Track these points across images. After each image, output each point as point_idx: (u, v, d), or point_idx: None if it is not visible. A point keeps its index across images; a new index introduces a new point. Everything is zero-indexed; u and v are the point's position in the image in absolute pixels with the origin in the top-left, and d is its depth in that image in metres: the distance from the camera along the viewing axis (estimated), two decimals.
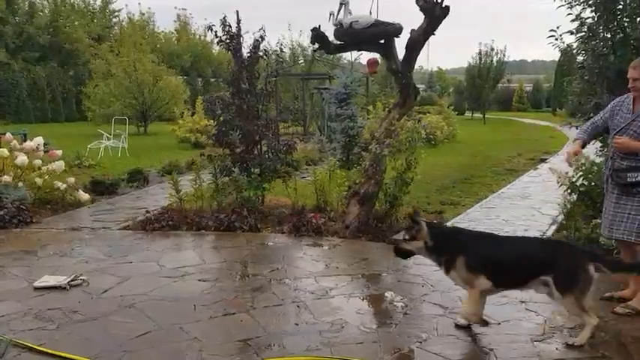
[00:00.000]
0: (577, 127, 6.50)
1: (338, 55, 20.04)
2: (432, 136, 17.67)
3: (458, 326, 4.17)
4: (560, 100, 28.68)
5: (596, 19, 5.93)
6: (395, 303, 4.80)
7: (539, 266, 3.91)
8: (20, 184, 8.13)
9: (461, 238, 4.28)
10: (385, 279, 5.43)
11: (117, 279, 5.29)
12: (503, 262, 4.03)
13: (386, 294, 4.99)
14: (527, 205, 8.78)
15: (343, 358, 3.70)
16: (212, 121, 8.45)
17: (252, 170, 7.99)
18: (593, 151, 6.46)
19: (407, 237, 4.20)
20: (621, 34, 5.87)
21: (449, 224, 7.48)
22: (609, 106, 4.61)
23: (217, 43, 8.33)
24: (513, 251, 4.13)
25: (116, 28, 39.04)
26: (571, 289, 3.80)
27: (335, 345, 3.91)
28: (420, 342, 3.97)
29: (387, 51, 7.30)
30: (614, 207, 4.45)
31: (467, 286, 4.08)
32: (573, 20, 6.06)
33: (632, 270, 4.39)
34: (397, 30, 7.18)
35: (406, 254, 4.30)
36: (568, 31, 6.15)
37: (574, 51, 6.41)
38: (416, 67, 7.62)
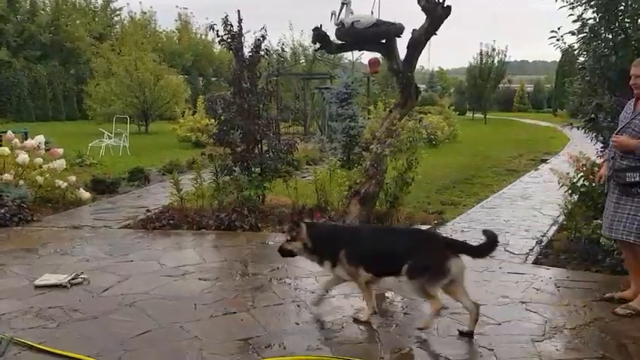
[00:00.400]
0: (578, 128, 6.52)
1: (339, 54, 20.03)
2: (432, 137, 17.66)
3: (356, 320, 4.28)
4: (561, 100, 28.69)
5: (597, 19, 5.92)
6: (395, 303, 4.80)
7: (405, 254, 4.09)
8: (21, 182, 8.14)
9: (338, 235, 4.53)
10: (385, 279, 5.42)
11: (117, 277, 5.30)
12: (378, 253, 4.23)
13: (386, 294, 4.99)
14: (528, 206, 8.78)
15: (343, 358, 3.70)
16: (213, 120, 8.46)
17: (252, 169, 8.00)
18: (593, 151, 6.46)
19: (289, 238, 4.39)
20: (623, 35, 5.86)
21: (451, 224, 7.50)
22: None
23: (219, 43, 8.33)
24: (384, 242, 4.36)
25: (117, 26, 39.06)
26: (420, 275, 3.99)
27: (335, 344, 3.91)
28: (420, 342, 3.97)
29: (389, 51, 7.30)
30: (614, 207, 4.45)
31: (352, 279, 4.30)
32: (575, 21, 6.05)
33: (486, 251, 4.34)
34: (398, 30, 7.18)
35: (289, 254, 4.45)
36: (569, 32, 6.15)
37: (575, 52, 6.40)
38: (417, 67, 7.61)
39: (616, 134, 4.45)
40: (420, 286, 4.01)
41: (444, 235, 5.11)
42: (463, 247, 4.25)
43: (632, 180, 4.28)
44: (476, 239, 6.68)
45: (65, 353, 3.75)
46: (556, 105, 37.44)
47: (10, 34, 32.17)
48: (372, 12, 7.38)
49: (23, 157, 8.16)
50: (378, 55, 8.02)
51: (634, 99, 4.44)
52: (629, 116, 4.42)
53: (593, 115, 6.08)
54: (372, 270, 4.23)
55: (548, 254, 6.06)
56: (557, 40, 6.27)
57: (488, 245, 4.19)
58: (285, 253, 4.45)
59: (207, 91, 30.27)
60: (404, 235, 4.62)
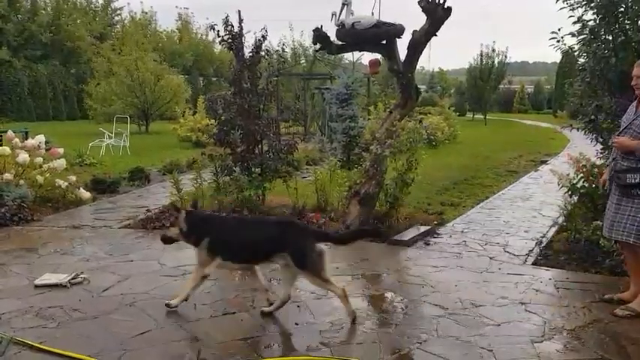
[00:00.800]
0: (578, 129, 6.53)
1: (339, 55, 20.03)
2: (432, 137, 17.67)
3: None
4: (562, 101, 28.71)
5: (597, 21, 5.93)
6: (395, 303, 4.81)
7: (274, 244, 4.32)
8: (21, 182, 8.14)
9: (210, 222, 4.71)
10: (385, 279, 5.44)
11: (117, 277, 5.31)
12: (244, 242, 4.43)
13: (386, 294, 4.99)
14: (528, 207, 8.79)
15: (343, 358, 3.70)
16: (213, 120, 8.46)
17: (253, 170, 8.00)
18: (593, 153, 6.47)
19: (168, 224, 4.73)
20: (623, 37, 5.88)
21: (451, 224, 7.50)
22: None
23: (219, 43, 8.34)
24: (252, 232, 4.58)
25: (118, 26, 39.08)
26: (305, 264, 4.24)
27: (335, 345, 3.92)
28: (420, 343, 3.97)
29: (389, 52, 7.31)
30: (615, 208, 4.46)
31: (200, 265, 4.48)
32: (575, 22, 6.06)
33: (354, 238, 4.72)
34: (399, 31, 7.19)
35: (169, 240, 4.66)
36: (569, 33, 6.16)
37: (575, 53, 6.41)
38: (417, 67, 7.62)
39: (617, 135, 4.46)
40: (313, 274, 4.25)
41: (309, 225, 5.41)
42: (327, 236, 4.65)
43: (633, 181, 4.28)
44: (476, 240, 6.73)
45: (65, 353, 3.75)
46: (556, 106, 37.48)
47: (10, 34, 32.19)
48: (372, 13, 7.40)
49: (24, 156, 8.17)
50: (378, 55, 8.02)
51: (636, 101, 4.44)
52: (631, 117, 4.42)
53: (593, 117, 6.09)
54: (236, 258, 4.48)
55: (547, 255, 6.06)
56: (558, 41, 6.29)
57: (352, 236, 4.58)
58: (166, 240, 4.67)
59: (208, 91, 30.30)
60: (272, 227, 4.77)
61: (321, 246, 4.27)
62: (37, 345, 3.85)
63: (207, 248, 4.41)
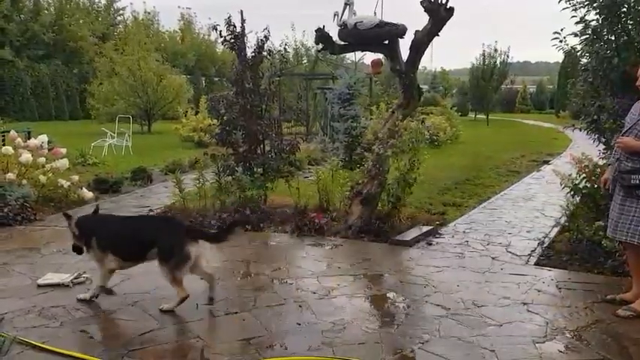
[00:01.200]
0: (580, 130, 6.52)
1: (342, 55, 20.03)
2: (435, 137, 17.67)
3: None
4: (564, 102, 28.68)
5: (600, 21, 5.92)
6: (397, 304, 4.81)
7: (149, 241, 4.50)
8: (24, 181, 8.15)
9: (96, 222, 4.91)
10: (387, 279, 5.44)
11: (120, 277, 5.29)
12: (123, 241, 4.65)
13: (388, 294, 4.99)
14: (531, 207, 8.78)
15: (345, 358, 3.71)
16: (215, 120, 8.47)
17: (255, 169, 8.00)
18: (596, 153, 6.46)
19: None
20: (625, 37, 5.86)
21: (453, 224, 7.50)
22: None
23: (222, 43, 8.35)
24: (129, 230, 4.78)
25: (120, 26, 39.12)
26: (167, 260, 4.40)
27: (337, 345, 3.91)
28: (422, 343, 3.97)
29: (391, 52, 7.31)
30: (619, 209, 4.45)
31: (99, 264, 4.70)
32: (577, 22, 6.05)
33: (227, 232, 4.72)
34: (401, 31, 7.18)
35: (77, 248, 4.87)
36: (572, 34, 6.15)
37: (578, 53, 6.40)
38: (419, 67, 7.62)
39: (622, 136, 4.45)
40: (169, 271, 4.42)
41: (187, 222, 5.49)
42: (202, 234, 4.75)
43: (637, 182, 4.27)
44: (478, 240, 6.72)
45: (68, 352, 3.75)
46: (558, 106, 37.44)
47: (13, 34, 32.26)
48: (374, 13, 7.40)
49: (26, 156, 8.18)
50: (380, 55, 8.01)
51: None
52: (635, 118, 4.41)
53: (595, 117, 6.07)
54: (121, 254, 4.64)
55: (550, 255, 6.06)
56: (560, 41, 6.28)
57: (225, 231, 4.70)
58: (74, 248, 4.88)
59: (210, 91, 30.33)
60: (148, 223, 5.05)
61: (193, 248, 4.42)
62: (39, 344, 3.86)
63: (97, 246, 4.67)
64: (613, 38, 5.92)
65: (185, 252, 4.40)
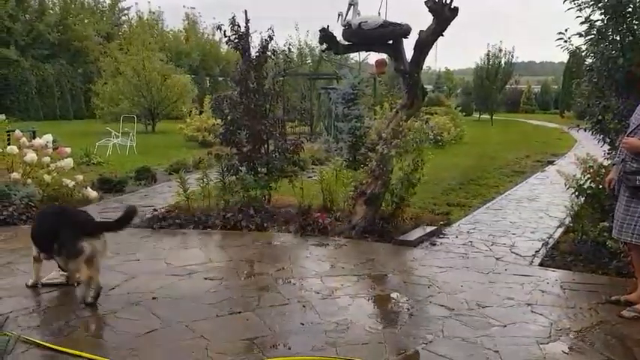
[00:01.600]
0: (585, 130, 6.50)
1: (346, 55, 20.04)
2: (439, 137, 17.65)
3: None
4: (569, 102, 28.61)
5: (605, 21, 5.90)
6: (400, 304, 4.81)
7: (52, 233, 4.64)
8: (29, 181, 8.18)
9: (37, 219, 5.32)
10: (391, 280, 5.44)
11: (124, 276, 5.32)
12: (39, 233, 4.89)
13: (392, 295, 4.99)
14: (535, 208, 8.76)
15: (348, 359, 3.71)
16: (220, 120, 8.48)
17: (259, 169, 8.01)
18: (600, 153, 6.43)
19: None
20: (630, 37, 5.84)
21: (457, 225, 7.49)
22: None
23: (226, 43, 8.35)
24: (41, 223, 5.02)
25: (125, 26, 39.18)
26: (61, 251, 4.58)
27: (340, 345, 3.92)
28: (426, 343, 3.96)
29: (395, 52, 7.31)
30: (624, 209, 4.44)
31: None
32: (582, 22, 6.03)
33: (122, 224, 4.78)
34: (405, 31, 7.18)
35: None
36: (577, 34, 6.12)
37: (583, 53, 6.37)
38: (424, 67, 7.61)
39: (627, 136, 4.43)
40: (63, 263, 4.70)
41: (88, 215, 5.25)
42: (101, 226, 4.88)
43: None
44: (482, 240, 6.71)
45: (72, 352, 3.76)
46: (563, 106, 37.35)
47: (18, 33, 32.34)
48: (379, 13, 7.40)
49: (31, 155, 8.21)
50: (384, 55, 8.01)
51: None
52: None
53: (600, 117, 6.05)
54: (38, 247, 4.88)
55: (554, 256, 6.04)
56: (565, 41, 6.25)
57: (123, 218, 4.75)
58: None
59: (214, 90, 30.31)
60: (50, 218, 5.09)
61: (86, 243, 4.53)
62: (43, 343, 3.87)
63: (31, 239, 4.94)
64: (618, 38, 5.90)
65: (78, 247, 4.52)
